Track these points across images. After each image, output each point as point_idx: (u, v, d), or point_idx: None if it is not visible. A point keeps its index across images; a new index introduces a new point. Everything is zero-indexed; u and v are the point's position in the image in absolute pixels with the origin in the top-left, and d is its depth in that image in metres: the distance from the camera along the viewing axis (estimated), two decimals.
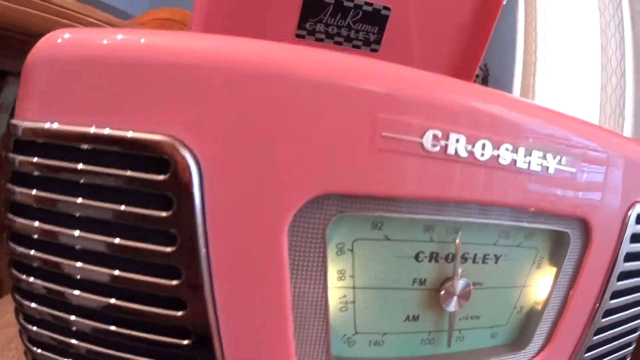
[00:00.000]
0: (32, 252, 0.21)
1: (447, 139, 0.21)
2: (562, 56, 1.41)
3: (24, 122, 0.20)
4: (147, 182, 0.19)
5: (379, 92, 0.20)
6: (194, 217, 0.19)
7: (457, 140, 0.21)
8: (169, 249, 0.20)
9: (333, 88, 0.20)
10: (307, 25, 0.42)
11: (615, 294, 0.29)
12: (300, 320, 0.22)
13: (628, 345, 0.32)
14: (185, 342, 0.21)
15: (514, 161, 0.23)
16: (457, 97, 0.22)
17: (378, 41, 0.44)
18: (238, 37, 0.21)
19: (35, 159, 0.20)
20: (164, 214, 0.19)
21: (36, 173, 0.20)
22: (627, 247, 0.29)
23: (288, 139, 0.20)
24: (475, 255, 0.25)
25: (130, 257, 0.20)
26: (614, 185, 0.27)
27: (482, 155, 0.22)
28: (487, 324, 0.27)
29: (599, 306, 0.29)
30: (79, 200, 0.20)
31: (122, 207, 0.20)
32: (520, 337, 0.28)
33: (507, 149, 0.22)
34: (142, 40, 0.20)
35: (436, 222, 0.23)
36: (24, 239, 0.21)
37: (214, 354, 0.21)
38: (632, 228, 0.28)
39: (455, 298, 0.24)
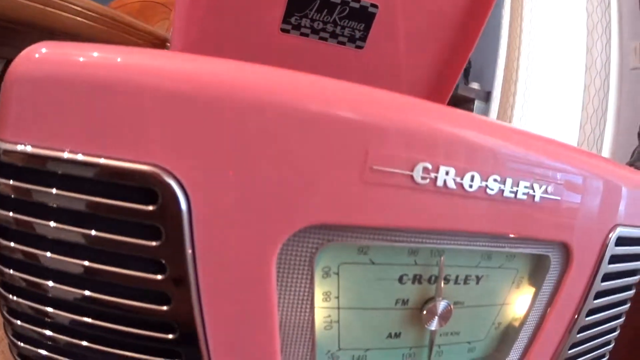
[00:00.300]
0: (12, 244, 0.20)
1: (437, 171, 0.21)
2: (546, 54, 1.41)
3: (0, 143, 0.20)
4: (133, 212, 0.19)
5: (370, 124, 0.20)
6: (183, 247, 0.20)
7: (447, 173, 0.22)
8: (159, 277, 0.20)
9: (323, 119, 0.20)
10: (293, 20, 0.42)
11: (591, 312, 0.30)
12: (287, 339, 0.23)
13: (601, 357, 0.34)
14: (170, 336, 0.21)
15: (502, 191, 0.23)
16: (449, 128, 0.22)
17: (364, 38, 0.43)
18: (225, 60, 0.21)
19: (10, 182, 0.19)
20: (153, 243, 0.20)
21: (13, 195, 0.20)
22: (606, 268, 0.30)
23: (276, 170, 0.20)
24: (457, 277, 0.26)
25: (121, 283, 0.20)
26: (595, 210, 0.28)
27: (471, 187, 0.22)
28: (465, 339, 0.28)
29: (574, 323, 0.30)
30: (52, 224, 0.19)
31: (105, 235, 0.20)
32: (497, 351, 0.29)
33: (495, 180, 0.23)
34: (119, 60, 0.19)
35: (420, 247, 0.24)
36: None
37: None
38: (611, 250, 0.29)
39: (436, 318, 0.25)
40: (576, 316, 0.30)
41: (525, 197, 0.24)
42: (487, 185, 0.23)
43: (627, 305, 0.33)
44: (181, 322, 0.21)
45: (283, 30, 0.43)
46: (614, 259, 0.30)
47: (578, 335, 0.30)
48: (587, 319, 0.30)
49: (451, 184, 0.22)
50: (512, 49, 1.49)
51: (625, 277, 0.32)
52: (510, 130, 0.25)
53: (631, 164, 0.85)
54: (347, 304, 0.24)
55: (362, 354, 0.25)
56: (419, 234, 0.23)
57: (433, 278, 0.25)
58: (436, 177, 0.21)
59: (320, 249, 0.22)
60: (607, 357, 0.34)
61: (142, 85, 0.19)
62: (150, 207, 0.19)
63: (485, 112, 1.64)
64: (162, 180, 0.19)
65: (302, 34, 0.43)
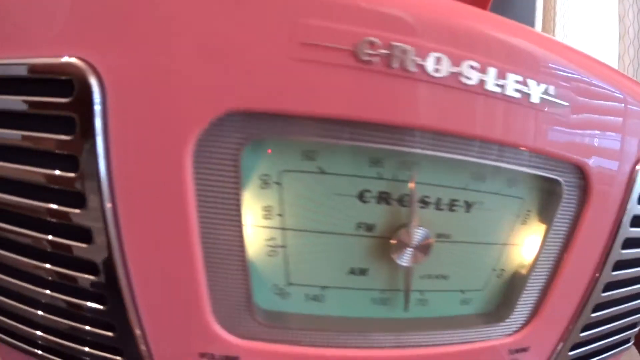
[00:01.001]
0: None
1: (388, 48, 0.17)
2: (580, 24, 1.35)
3: None
4: (49, 105, 0.17)
5: None
6: (94, 140, 0.16)
7: (404, 51, 0.17)
8: (72, 174, 0.17)
9: None
10: None
11: (619, 265, 0.24)
12: (214, 263, 0.19)
13: (632, 326, 0.27)
14: (93, 277, 0.18)
15: (482, 82, 0.18)
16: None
17: None
18: None
19: None
20: (67, 137, 0.16)
21: None
22: (635, 208, 0.23)
23: (189, 51, 0.16)
24: (439, 200, 0.21)
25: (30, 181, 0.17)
26: (618, 130, 0.22)
27: (437, 71, 0.17)
28: (456, 286, 0.22)
29: (599, 277, 0.23)
30: None
31: (22, 133, 0.17)
32: (500, 306, 0.23)
33: (471, 67, 0.18)
34: None
35: (385, 154, 0.19)
36: None
37: (123, 303, 0.18)
38: (637, 187, 0.23)
39: (410, 250, 0.20)
40: (601, 268, 0.23)
41: (518, 94, 0.19)
42: (460, 72, 0.18)
43: None
44: (95, 228, 0.17)
45: None
46: None
47: (603, 294, 0.24)
48: (614, 273, 0.24)
49: (410, 66, 0.17)
50: (547, 20, 1.43)
51: None
52: (496, 17, 0.20)
53: None
54: (294, 224, 0.19)
55: (319, 292, 0.21)
56: (378, 132, 0.18)
57: (406, 198, 0.20)
58: (388, 55, 0.17)
59: (247, 145, 0.17)
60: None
61: None
62: (65, 100, 0.16)
63: None
64: (77, 71, 0.16)
65: None
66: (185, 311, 0.19)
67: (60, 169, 0.17)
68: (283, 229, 0.19)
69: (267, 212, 0.19)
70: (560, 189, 0.22)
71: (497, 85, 0.18)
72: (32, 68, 0.17)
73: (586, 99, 0.21)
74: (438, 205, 0.21)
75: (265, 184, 0.19)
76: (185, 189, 0.17)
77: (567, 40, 1.41)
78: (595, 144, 0.21)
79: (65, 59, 0.16)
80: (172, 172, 0.17)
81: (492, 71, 0.18)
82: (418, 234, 0.20)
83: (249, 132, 0.17)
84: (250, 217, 0.19)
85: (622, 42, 1.15)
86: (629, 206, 0.23)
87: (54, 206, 0.17)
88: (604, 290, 0.24)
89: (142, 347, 0.19)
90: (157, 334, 0.19)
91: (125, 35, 0.16)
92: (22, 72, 0.17)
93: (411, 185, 0.20)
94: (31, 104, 0.17)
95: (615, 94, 0.22)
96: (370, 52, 0.17)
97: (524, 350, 0.23)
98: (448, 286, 0.22)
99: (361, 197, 0.20)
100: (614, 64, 1.17)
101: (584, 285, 0.23)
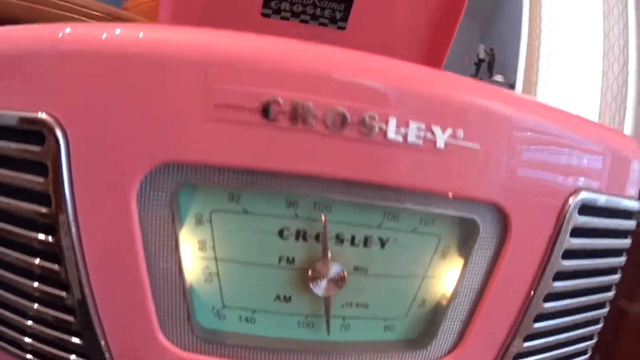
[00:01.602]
0: None
1: (289, 105, 0.20)
2: (566, 40, 1.33)
3: None
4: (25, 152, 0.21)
5: (210, 61, 0.20)
6: (62, 182, 0.21)
7: (302, 108, 0.20)
8: (44, 210, 0.21)
9: (163, 61, 0.20)
10: (273, 4, 0.42)
11: (551, 296, 0.25)
12: (159, 288, 0.22)
13: (581, 353, 0.27)
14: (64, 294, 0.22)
15: (383, 132, 0.21)
16: (303, 58, 0.20)
17: (345, 19, 0.42)
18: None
19: None
20: (40, 179, 0.21)
21: None
22: (567, 242, 0.24)
23: (129, 112, 0.20)
24: (353, 237, 0.23)
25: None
26: (542, 167, 0.23)
27: (336, 125, 0.20)
28: (378, 315, 0.25)
29: (527, 307, 0.25)
30: None
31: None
32: (423, 333, 0.25)
33: (371, 117, 0.20)
34: None
35: (300, 197, 0.22)
36: None
37: (90, 318, 0.22)
38: (573, 220, 0.24)
39: (325, 281, 0.23)
40: (529, 299, 0.24)
41: (420, 142, 0.21)
42: (362, 121, 0.20)
43: (611, 293, 0.27)
44: (65, 255, 0.22)
45: (264, 15, 0.44)
46: (579, 232, 0.24)
47: (536, 325, 0.25)
48: (546, 305, 0.25)
49: (310, 121, 0.20)
50: (532, 38, 1.39)
51: (604, 256, 0.26)
52: (391, 63, 0.22)
53: None
54: (224, 255, 0.23)
55: (250, 315, 0.24)
56: (291, 179, 0.21)
57: (321, 235, 0.23)
58: (291, 112, 0.20)
59: (179, 189, 0.21)
60: (589, 354, 0.27)
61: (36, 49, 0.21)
62: (38, 148, 0.21)
63: None
64: (49, 125, 0.20)
65: (282, 18, 0.44)
66: (138, 327, 0.23)
67: (36, 203, 0.21)
68: (216, 259, 0.23)
69: (202, 245, 0.23)
70: (476, 227, 0.23)
71: (398, 134, 0.21)
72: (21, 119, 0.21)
73: (497, 138, 0.22)
74: (352, 242, 0.23)
75: (199, 221, 0.23)
76: (132, 225, 0.21)
77: (552, 59, 1.37)
78: (510, 181, 0.23)
79: (39, 115, 0.20)
80: (121, 211, 0.21)
81: (391, 121, 0.21)
82: (332, 267, 0.23)
83: (181, 178, 0.21)
84: (188, 248, 0.23)
85: (607, 59, 1.10)
86: (559, 239, 0.24)
87: (32, 234, 0.22)
88: (536, 320, 0.25)
89: (106, 355, 0.24)
90: (116, 344, 0.23)
91: (80, 96, 0.20)
92: (13, 122, 0.21)
93: (323, 223, 0.22)
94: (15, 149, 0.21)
95: (553, 132, 0.23)
96: (274, 109, 0.20)
97: None
98: (369, 314, 0.24)
99: (281, 234, 0.23)
100: (598, 80, 1.11)
101: (513, 316, 0.25)
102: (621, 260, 0.27)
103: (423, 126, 0.21)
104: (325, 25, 0.44)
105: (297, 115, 0.20)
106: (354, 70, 0.21)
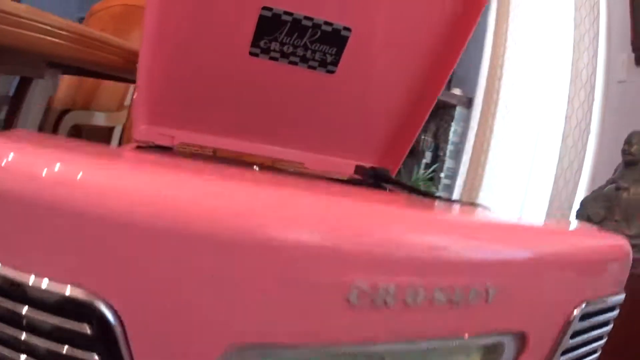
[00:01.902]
0: None
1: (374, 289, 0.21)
2: (530, 63, 1.35)
3: None
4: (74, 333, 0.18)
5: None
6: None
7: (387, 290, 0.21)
8: None
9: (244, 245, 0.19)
10: (262, 44, 0.41)
11: None
12: None
13: None
14: None
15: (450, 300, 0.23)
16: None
17: (335, 62, 0.41)
18: (169, 175, 0.21)
19: None
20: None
21: None
22: (567, 343, 0.28)
23: (202, 294, 0.19)
24: None
25: None
26: (555, 293, 0.26)
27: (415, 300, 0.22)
28: None
29: None
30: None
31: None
32: None
33: (440, 290, 0.22)
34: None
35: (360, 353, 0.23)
36: None
37: None
38: (574, 326, 0.27)
39: None
40: None
41: (476, 301, 0.23)
42: (433, 297, 0.22)
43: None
44: None
45: (252, 54, 0.42)
46: (577, 333, 0.28)
47: None
48: None
49: (390, 301, 0.21)
50: (496, 56, 1.43)
51: (591, 343, 0.30)
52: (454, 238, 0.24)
53: (613, 181, 0.79)
54: None
55: None
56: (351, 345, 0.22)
57: None
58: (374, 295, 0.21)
59: None
60: None
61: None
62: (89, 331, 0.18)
63: (467, 118, 1.58)
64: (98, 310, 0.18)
65: (271, 58, 0.42)
66: None
67: None
68: None
69: None
70: (501, 348, 0.26)
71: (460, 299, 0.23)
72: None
73: (526, 283, 0.25)
74: None
75: None
76: None
77: (517, 81, 1.37)
78: (535, 311, 0.26)
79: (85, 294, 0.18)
80: None
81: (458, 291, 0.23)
82: None
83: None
84: None
85: (573, 85, 1.13)
86: (562, 343, 0.27)
87: None
88: None
89: None
90: None
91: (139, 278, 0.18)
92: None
93: None
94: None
95: (551, 263, 0.25)
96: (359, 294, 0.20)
97: None
98: None
99: None
100: (563, 106, 1.16)
101: None
102: (603, 342, 0.31)
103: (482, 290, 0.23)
104: (314, 68, 0.42)
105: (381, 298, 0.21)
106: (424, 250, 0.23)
